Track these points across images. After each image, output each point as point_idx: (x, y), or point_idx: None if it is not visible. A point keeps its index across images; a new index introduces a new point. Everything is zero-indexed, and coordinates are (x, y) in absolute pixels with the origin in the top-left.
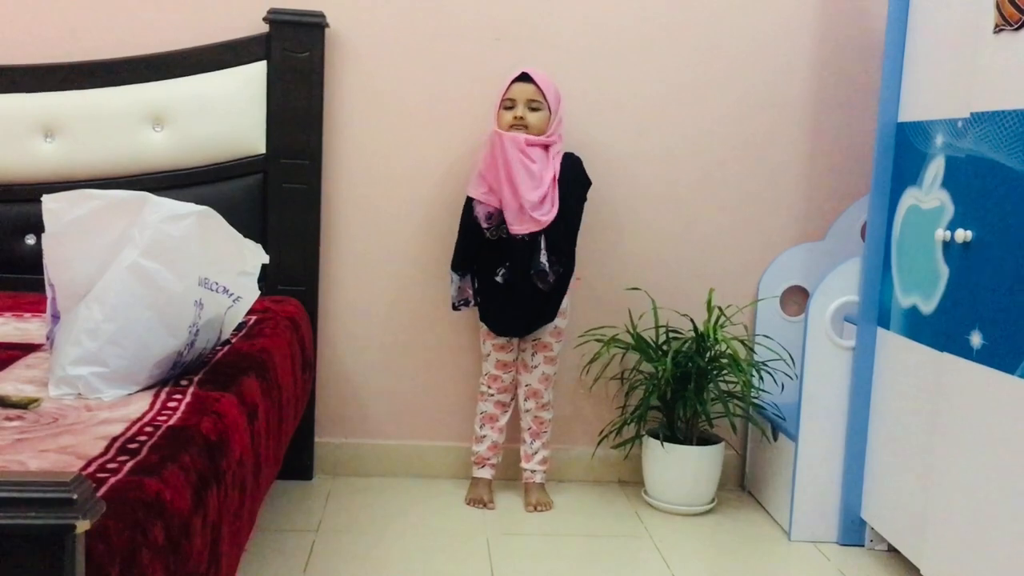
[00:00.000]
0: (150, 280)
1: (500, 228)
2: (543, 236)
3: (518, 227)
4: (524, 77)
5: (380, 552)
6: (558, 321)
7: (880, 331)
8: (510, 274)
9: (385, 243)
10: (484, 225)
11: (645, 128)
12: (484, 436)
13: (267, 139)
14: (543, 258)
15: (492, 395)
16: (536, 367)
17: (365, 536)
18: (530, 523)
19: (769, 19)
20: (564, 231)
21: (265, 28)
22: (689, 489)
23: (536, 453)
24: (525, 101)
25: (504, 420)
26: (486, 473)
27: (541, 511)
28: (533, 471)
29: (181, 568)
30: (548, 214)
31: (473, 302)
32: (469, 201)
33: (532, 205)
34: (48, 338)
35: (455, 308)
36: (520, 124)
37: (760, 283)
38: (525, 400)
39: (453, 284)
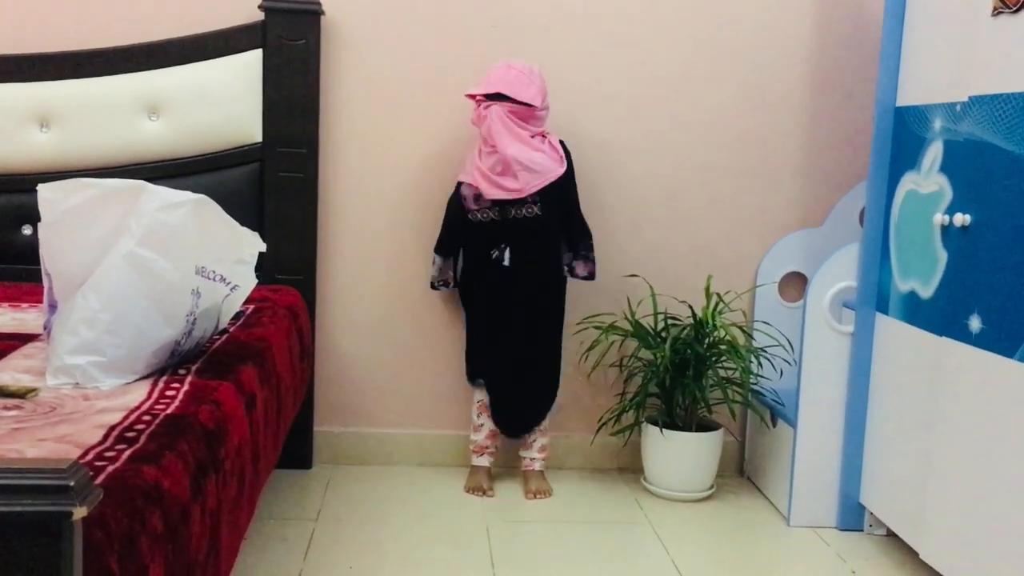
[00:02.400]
0: (147, 269)
1: (491, 210)
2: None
3: (497, 191)
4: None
5: (380, 540)
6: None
7: (879, 316)
8: (512, 256)
9: (383, 231)
10: (472, 207)
11: (643, 115)
12: (482, 425)
13: (263, 127)
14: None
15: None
16: None
17: (365, 524)
18: (530, 510)
19: (767, 5)
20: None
21: (261, 16)
22: (688, 475)
23: (535, 441)
24: None
25: None
26: (484, 461)
27: (541, 499)
28: (532, 459)
29: (180, 556)
30: (547, 173)
31: (453, 283)
32: (458, 186)
33: (518, 161)
34: (45, 328)
35: (433, 287)
36: None
37: (759, 269)
38: None
39: (435, 265)
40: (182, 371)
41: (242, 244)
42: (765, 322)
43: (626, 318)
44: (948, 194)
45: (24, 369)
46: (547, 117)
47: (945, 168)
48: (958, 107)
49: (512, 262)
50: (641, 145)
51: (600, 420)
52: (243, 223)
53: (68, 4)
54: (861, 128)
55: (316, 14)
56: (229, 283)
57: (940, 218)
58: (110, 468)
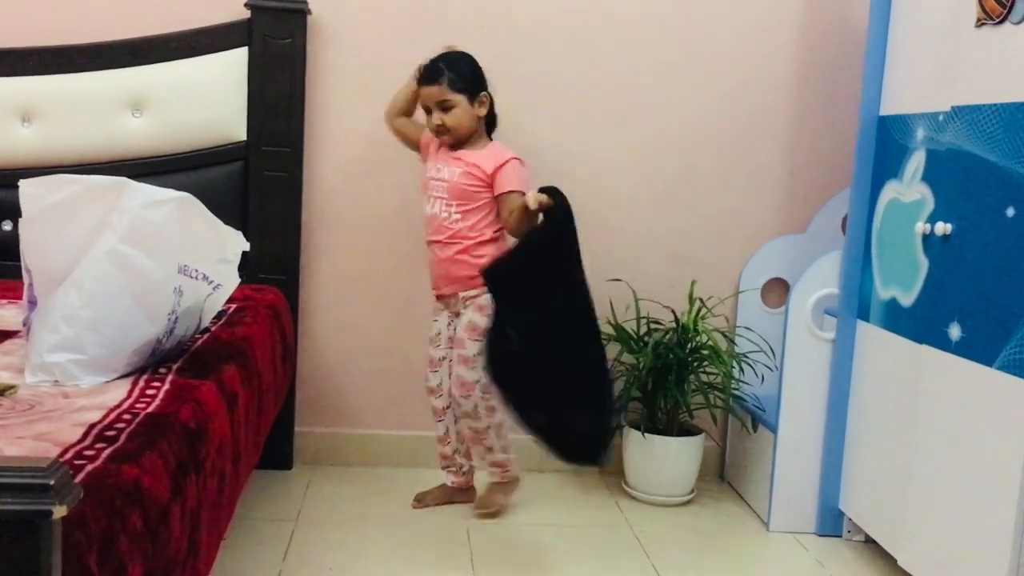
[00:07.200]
0: (129, 266)
1: None
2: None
3: None
4: (429, 78)
5: (359, 541)
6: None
7: (860, 323)
8: None
9: (367, 231)
10: None
11: (628, 120)
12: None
13: (248, 126)
14: None
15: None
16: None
17: (344, 525)
18: (511, 513)
19: (752, 13)
20: None
21: (246, 14)
22: (669, 480)
23: (483, 458)
24: (435, 104)
25: (441, 431)
26: (446, 479)
27: (486, 515)
28: (491, 473)
29: (159, 555)
30: None
31: None
32: None
33: None
34: (25, 324)
35: None
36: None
37: (741, 275)
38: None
39: None
40: (163, 370)
41: (225, 243)
42: (747, 328)
43: (609, 322)
44: (930, 203)
45: (3, 366)
46: None
47: (927, 177)
48: (941, 117)
49: None
50: (625, 150)
51: None
52: (226, 222)
53: None
54: (844, 136)
55: (302, 13)
56: (212, 282)
57: (922, 227)
58: (89, 467)
